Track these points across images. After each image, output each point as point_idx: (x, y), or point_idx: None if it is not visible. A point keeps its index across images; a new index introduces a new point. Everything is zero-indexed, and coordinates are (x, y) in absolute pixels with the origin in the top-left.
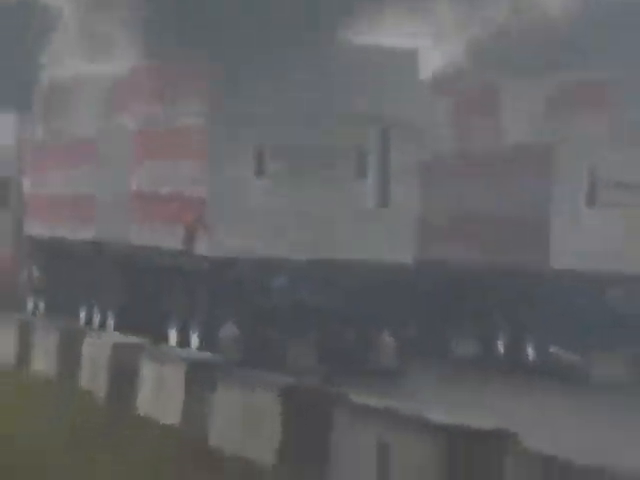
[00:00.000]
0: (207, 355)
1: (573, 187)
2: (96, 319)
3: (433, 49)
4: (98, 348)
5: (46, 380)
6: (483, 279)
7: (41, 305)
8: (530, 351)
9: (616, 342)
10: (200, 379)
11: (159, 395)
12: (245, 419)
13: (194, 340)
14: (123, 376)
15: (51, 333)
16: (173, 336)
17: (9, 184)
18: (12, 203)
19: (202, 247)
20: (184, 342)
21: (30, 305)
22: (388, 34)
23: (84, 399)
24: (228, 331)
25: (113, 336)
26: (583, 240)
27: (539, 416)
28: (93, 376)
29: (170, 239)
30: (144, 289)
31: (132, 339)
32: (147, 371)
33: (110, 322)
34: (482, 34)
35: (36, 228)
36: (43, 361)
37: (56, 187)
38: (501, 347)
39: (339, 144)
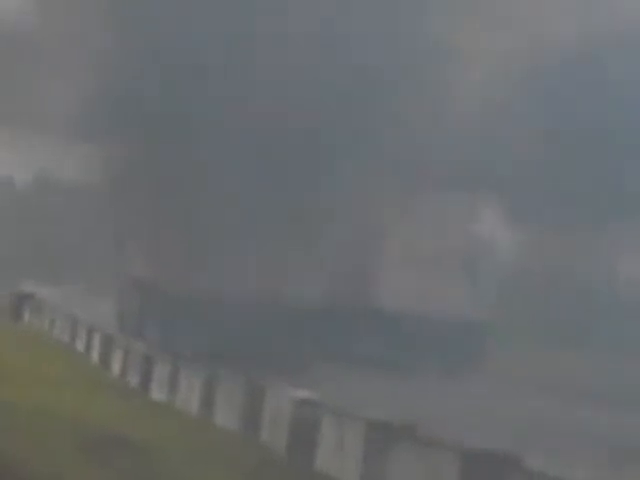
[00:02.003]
0: (385, 415)
1: None
2: None
3: None
4: (280, 404)
5: (229, 432)
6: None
7: None
8: None
9: None
10: (379, 438)
11: (338, 452)
12: None
13: None
14: (303, 432)
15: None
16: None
17: None
18: None
19: None
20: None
21: None
22: None
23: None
24: None
25: (294, 393)
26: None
27: None
28: (274, 430)
29: None
30: None
31: (313, 396)
32: (327, 428)
33: None
34: None
35: None
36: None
37: None
38: None
39: None
